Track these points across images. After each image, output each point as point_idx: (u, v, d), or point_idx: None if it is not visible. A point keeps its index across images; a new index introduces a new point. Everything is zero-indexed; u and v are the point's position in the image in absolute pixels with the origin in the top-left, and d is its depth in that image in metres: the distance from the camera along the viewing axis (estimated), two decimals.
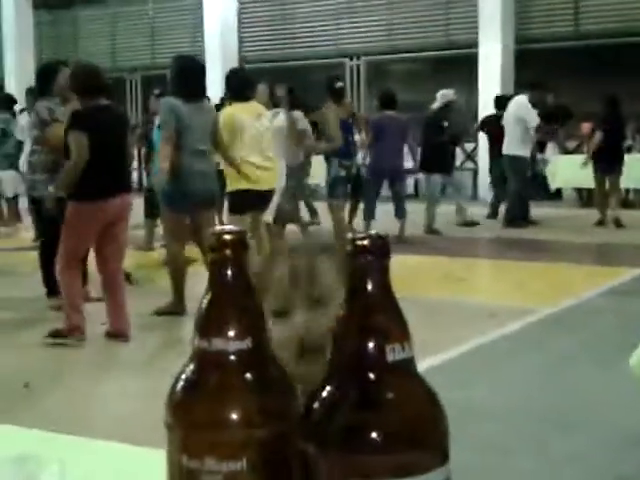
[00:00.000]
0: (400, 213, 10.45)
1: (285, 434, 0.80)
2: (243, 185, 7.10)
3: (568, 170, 13.33)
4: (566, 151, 14.34)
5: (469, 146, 15.15)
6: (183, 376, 0.81)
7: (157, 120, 7.58)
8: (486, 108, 13.43)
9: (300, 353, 1.18)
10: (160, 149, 6.58)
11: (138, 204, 9.55)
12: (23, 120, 10.77)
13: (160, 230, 7.98)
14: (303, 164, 9.39)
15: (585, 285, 7.59)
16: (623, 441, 3.90)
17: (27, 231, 10.26)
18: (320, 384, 0.81)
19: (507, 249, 10.11)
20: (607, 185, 11.92)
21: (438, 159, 11.31)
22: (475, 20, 15.65)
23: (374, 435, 0.76)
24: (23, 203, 10.97)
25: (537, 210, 12.28)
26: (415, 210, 11.22)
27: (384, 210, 10.57)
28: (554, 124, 13.48)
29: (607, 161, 11.59)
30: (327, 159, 9.88)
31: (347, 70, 17.19)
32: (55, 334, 5.68)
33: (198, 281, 5.36)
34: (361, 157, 10.72)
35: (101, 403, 4.69)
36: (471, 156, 15.62)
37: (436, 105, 11.45)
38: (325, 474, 0.77)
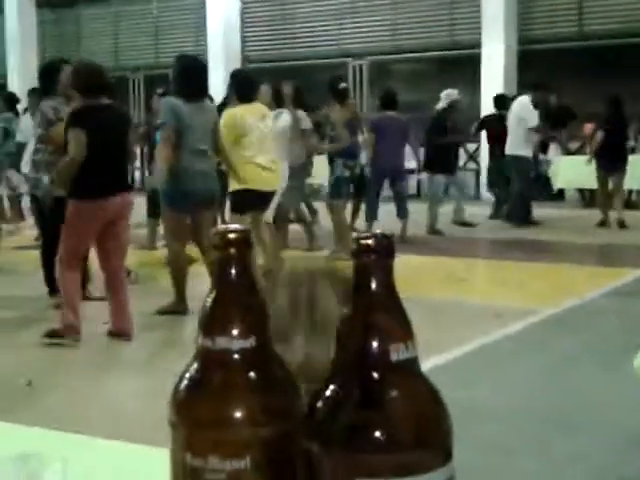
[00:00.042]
0: (402, 213, 10.45)
1: (289, 433, 0.80)
2: (246, 185, 7.11)
3: (570, 171, 13.34)
4: (569, 152, 14.34)
5: (471, 146, 15.16)
6: (187, 375, 0.81)
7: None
8: (489, 108, 13.42)
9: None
10: (158, 149, 6.60)
11: (140, 203, 9.57)
12: (26, 121, 10.77)
13: (162, 229, 7.98)
14: (305, 164, 9.39)
15: (588, 286, 7.59)
16: (626, 442, 3.90)
17: (30, 230, 10.26)
18: (324, 383, 0.81)
19: (510, 250, 10.10)
20: (610, 185, 11.92)
21: (442, 159, 11.30)
22: (478, 21, 15.64)
23: (378, 434, 0.76)
24: (25, 202, 11.01)
25: (540, 211, 12.28)
26: (417, 210, 11.22)
27: (386, 210, 10.57)
28: (558, 126, 13.49)
29: (610, 160, 11.59)
30: (331, 159, 9.88)
31: (350, 70, 17.19)
32: (51, 334, 5.67)
33: (199, 280, 5.41)
34: (364, 157, 10.71)
35: (102, 402, 4.69)
36: (473, 156, 15.62)
37: (440, 105, 11.44)
38: (329, 473, 0.78)
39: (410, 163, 12.66)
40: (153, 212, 9.19)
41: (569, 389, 4.72)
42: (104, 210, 5.66)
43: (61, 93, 6.51)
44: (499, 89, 14.39)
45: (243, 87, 7.31)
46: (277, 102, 8.92)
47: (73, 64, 6.30)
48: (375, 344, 0.78)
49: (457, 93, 11.53)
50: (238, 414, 0.78)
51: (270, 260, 7.79)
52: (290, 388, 0.82)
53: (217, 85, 13.34)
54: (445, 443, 0.79)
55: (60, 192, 5.98)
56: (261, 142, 7.25)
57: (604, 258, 9.39)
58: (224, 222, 9.32)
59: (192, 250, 6.90)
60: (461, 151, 12.98)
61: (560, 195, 14.57)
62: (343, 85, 10.21)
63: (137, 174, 17.07)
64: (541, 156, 13.05)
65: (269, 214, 8.02)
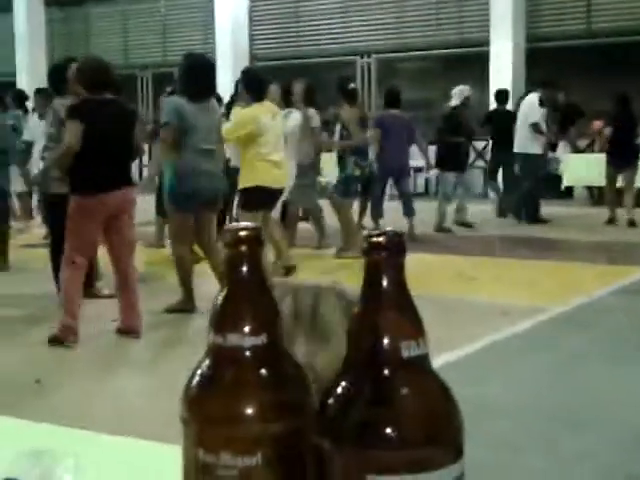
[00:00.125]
0: (408, 211, 10.45)
1: (300, 429, 0.80)
2: (258, 182, 7.09)
3: (579, 168, 13.32)
4: (577, 150, 14.31)
5: (479, 144, 15.13)
6: (199, 371, 0.82)
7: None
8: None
9: None
10: (155, 150, 6.64)
11: (149, 201, 9.59)
12: (34, 119, 10.79)
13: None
14: (314, 162, 9.40)
15: (596, 284, 7.58)
16: (634, 440, 3.90)
17: (39, 228, 10.29)
18: (335, 380, 0.81)
19: (518, 247, 10.09)
20: (620, 182, 11.89)
21: (454, 157, 11.28)
22: (487, 18, 15.63)
23: (389, 431, 0.76)
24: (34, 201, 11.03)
25: (548, 208, 12.26)
26: (425, 208, 11.21)
27: (393, 208, 10.57)
28: (566, 123, 13.48)
29: (620, 157, 11.57)
30: (340, 157, 9.89)
31: (358, 68, 17.19)
32: (53, 339, 5.67)
33: (206, 279, 5.42)
34: (371, 154, 10.72)
35: (110, 399, 4.70)
36: (482, 154, 15.60)
37: (454, 102, 11.39)
38: (340, 469, 0.78)
39: (417, 161, 12.67)
40: (161, 209, 9.20)
41: (577, 387, 4.71)
42: (105, 204, 5.66)
43: (72, 92, 6.52)
44: (507, 87, 14.37)
45: (254, 85, 7.30)
46: (286, 101, 8.93)
47: (79, 60, 6.30)
48: (386, 341, 0.78)
49: (469, 89, 11.50)
50: (249, 410, 0.79)
51: (279, 258, 7.80)
52: (301, 385, 0.83)
53: (225, 83, 13.35)
54: (456, 440, 0.79)
55: (60, 189, 6.01)
56: (275, 140, 7.26)
57: (612, 256, 9.36)
58: (233, 220, 9.32)
59: (198, 249, 6.92)
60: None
61: (569, 193, 14.55)
62: (352, 86, 10.24)
63: (145, 172, 17.15)
64: (550, 154, 13.04)
65: (276, 212, 8.04)
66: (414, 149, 11.19)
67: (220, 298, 0.82)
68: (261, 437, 0.79)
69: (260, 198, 7.18)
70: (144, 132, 9.44)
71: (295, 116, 8.86)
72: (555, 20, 15.57)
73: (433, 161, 11.76)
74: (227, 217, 10.41)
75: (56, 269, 6.59)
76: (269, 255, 7.61)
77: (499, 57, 15.33)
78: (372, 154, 10.34)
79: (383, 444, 0.76)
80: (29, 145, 9.64)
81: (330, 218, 9.81)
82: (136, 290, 5.93)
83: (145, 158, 12.95)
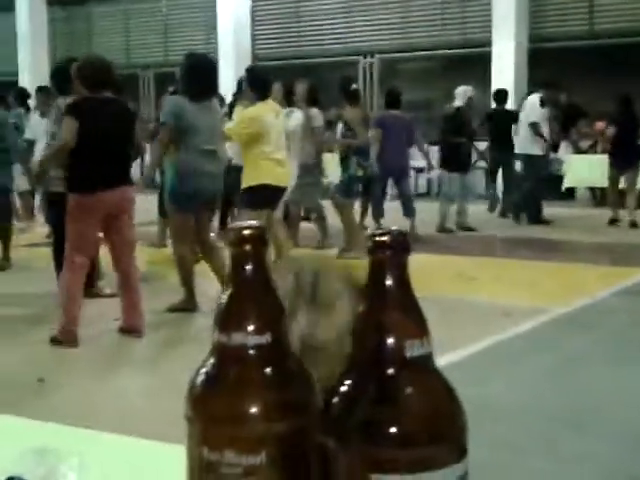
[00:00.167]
0: (408, 212, 10.45)
1: (304, 428, 0.80)
2: (263, 181, 7.05)
3: (581, 170, 13.32)
4: (579, 150, 14.30)
5: (480, 145, 15.12)
6: (203, 370, 0.82)
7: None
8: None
9: (300, 352, 1.19)
10: (151, 150, 6.67)
11: (151, 201, 9.59)
12: (35, 118, 10.80)
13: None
14: (317, 162, 9.41)
15: (599, 285, 7.57)
16: (636, 441, 3.90)
17: (41, 227, 10.30)
18: (339, 379, 0.81)
19: (520, 248, 10.08)
20: (623, 183, 11.89)
21: (458, 158, 11.27)
22: (489, 18, 15.62)
23: (393, 429, 0.76)
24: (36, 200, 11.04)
25: (550, 209, 12.26)
26: (427, 209, 11.21)
27: (394, 208, 10.58)
28: (568, 124, 13.48)
29: (623, 158, 11.57)
30: (343, 158, 9.89)
31: (360, 68, 17.19)
32: (53, 340, 5.67)
33: (207, 278, 5.41)
34: (372, 154, 10.73)
35: (111, 399, 4.70)
36: (484, 155, 15.59)
37: (457, 103, 11.36)
38: (344, 468, 0.78)
39: (419, 162, 12.67)
40: (163, 210, 9.21)
41: (579, 388, 4.71)
42: (103, 202, 5.65)
43: (76, 91, 6.53)
44: (510, 87, 14.36)
45: (259, 83, 7.25)
46: (288, 101, 8.93)
47: (79, 59, 6.30)
48: (390, 340, 0.78)
49: (472, 89, 11.50)
50: (254, 409, 0.79)
51: (279, 257, 7.80)
52: (305, 384, 0.83)
53: (227, 83, 13.35)
54: (460, 439, 0.79)
55: (60, 187, 6.03)
56: (278, 139, 7.25)
57: (615, 257, 9.36)
58: (235, 219, 9.33)
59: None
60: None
61: (571, 194, 14.54)
62: (354, 86, 10.25)
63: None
64: (552, 155, 13.04)
65: (278, 212, 8.03)
66: (415, 150, 11.19)
67: (225, 297, 0.82)
68: (265, 436, 0.79)
69: (264, 197, 7.16)
70: (145, 131, 9.46)
71: (297, 115, 8.87)
72: (557, 21, 15.56)
73: (435, 162, 11.75)
74: (229, 216, 10.44)
75: (59, 267, 6.59)
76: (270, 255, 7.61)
77: (501, 57, 15.32)
78: (373, 154, 10.35)
79: (387, 443, 0.76)
80: (31, 143, 9.64)
81: (332, 218, 9.82)
82: (138, 289, 5.93)
83: (147, 157, 12.94)
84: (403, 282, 0.80)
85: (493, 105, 13.28)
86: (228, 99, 10.58)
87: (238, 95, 9.43)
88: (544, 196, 12.21)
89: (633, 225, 11.43)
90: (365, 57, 17.30)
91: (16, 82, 18.04)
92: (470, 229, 11.40)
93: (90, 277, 6.74)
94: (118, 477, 1.15)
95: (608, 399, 4.48)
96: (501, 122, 12.24)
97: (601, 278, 7.97)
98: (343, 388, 0.80)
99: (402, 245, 0.80)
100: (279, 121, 7.40)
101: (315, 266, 1.34)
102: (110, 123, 5.69)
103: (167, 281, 7.51)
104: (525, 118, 11.77)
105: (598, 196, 14.22)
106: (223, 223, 10.37)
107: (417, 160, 12.56)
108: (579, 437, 3.93)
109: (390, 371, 0.78)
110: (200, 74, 6.50)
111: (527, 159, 11.81)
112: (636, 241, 10.27)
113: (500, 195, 13.04)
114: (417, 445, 0.76)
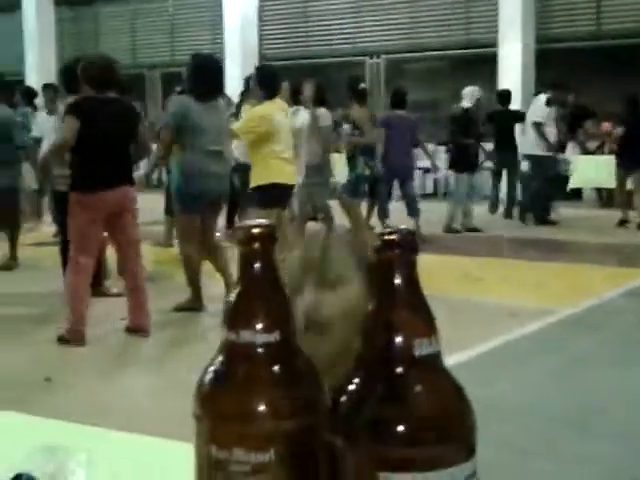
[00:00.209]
0: (412, 212, 10.45)
1: (313, 427, 0.80)
2: (273, 180, 7.02)
3: (588, 170, 13.29)
4: (587, 151, 14.28)
5: (486, 145, 15.12)
6: (212, 368, 0.82)
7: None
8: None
9: (305, 327, 1.20)
10: (154, 150, 6.71)
11: (156, 200, 9.61)
12: (42, 115, 10.83)
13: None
14: (324, 161, 9.40)
15: (605, 286, 7.56)
16: None
17: (48, 226, 10.31)
18: (348, 377, 0.81)
19: (526, 249, 10.07)
20: (630, 184, 11.86)
21: (467, 158, 11.26)
22: (495, 19, 15.60)
23: (401, 428, 0.76)
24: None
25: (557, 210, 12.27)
26: (433, 209, 11.20)
27: (399, 208, 10.58)
28: (575, 125, 13.46)
29: (630, 159, 11.53)
30: (351, 157, 9.90)
31: (367, 68, 17.18)
32: (61, 340, 5.68)
33: (214, 278, 5.39)
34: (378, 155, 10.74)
35: (119, 398, 4.71)
36: (491, 155, 15.58)
37: (466, 104, 11.34)
38: (352, 467, 0.78)
39: (426, 162, 12.66)
40: (170, 209, 9.22)
41: (585, 389, 4.70)
42: (104, 201, 5.66)
43: (82, 91, 6.54)
44: (516, 88, 14.34)
45: (268, 81, 7.21)
46: (295, 100, 8.93)
47: (84, 59, 6.31)
48: (399, 339, 0.78)
49: (479, 90, 11.49)
50: (262, 407, 0.79)
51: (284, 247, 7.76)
52: (314, 382, 0.83)
53: (234, 83, 13.35)
54: (468, 438, 0.79)
55: (65, 186, 6.06)
56: (286, 138, 7.24)
57: (622, 258, 9.34)
58: (242, 219, 9.33)
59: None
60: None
61: (577, 195, 14.52)
62: (363, 86, 10.25)
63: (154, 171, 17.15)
64: (559, 155, 13.03)
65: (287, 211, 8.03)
66: (418, 150, 11.20)
67: (234, 295, 0.83)
68: (274, 434, 0.79)
69: (274, 195, 7.11)
70: (152, 132, 9.46)
71: (303, 115, 8.86)
72: (565, 21, 15.53)
73: (441, 162, 11.75)
74: (236, 216, 10.45)
75: (65, 266, 6.61)
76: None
77: (508, 58, 15.30)
78: (379, 154, 10.35)
79: (396, 441, 0.76)
80: (38, 141, 9.65)
81: (339, 218, 9.81)
82: (145, 289, 5.94)
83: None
84: (412, 281, 0.80)
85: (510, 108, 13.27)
86: (234, 99, 10.59)
87: (245, 94, 9.44)
88: (552, 197, 12.19)
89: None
90: (372, 57, 17.29)
91: (23, 81, 18.06)
92: (476, 230, 11.39)
93: (97, 276, 6.76)
94: (126, 474, 1.16)
95: (614, 400, 4.47)
96: (503, 122, 12.23)
97: (608, 279, 7.96)
98: (351, 386, 0.80)
99: (410, 244, 0.80)
100: (287, 120, 7.40)
101: (325, 239, 1.35)
102: (112, 123, 5.70)
103: (174, 281, 7.52)
104: (530, 118, 11.78)
105: (605, 197, 14.20)
106: (230, 223, 10.38)
107: (423, 160, 12.55)
108: (584, 439, 3.92)
109: (399, 370, 0.78)
110: (206, 74, 6.50)
111: (534, 159, 11.80)
112: None
113: (504, 196, 13.05)
114: (425, 444, 0.76)
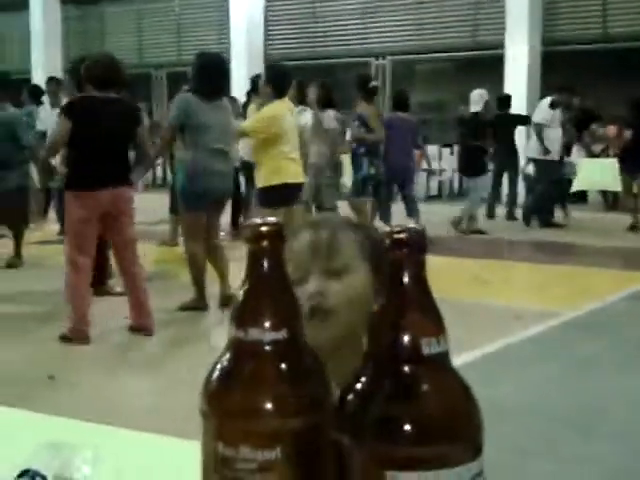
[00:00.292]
0: (412, 212, 10.47)
1: (319, 425, 0.80)
2: (284, 179, 6.98)
3: (593, 173, 13.28)
4: (592, 154, 14.27)
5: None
6: (219, 365, 0.82)
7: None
8: (513, 110, 13.38)
9: (309, 315, 1.21)
10: (155, 147, 6.74)
11: (160, 200, 9.62)
12: (45, 109, 10.85)
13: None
14: (334, 163, 9.39)
15: (610, 289, 7.55)
16: None
17: (53, 224, 10.33)
18: (355, 375, 0.81)
19: (531, 251, 10.07)
20: (635, 189, 11.84)
21: (477, 161, 11.27)
22: (502, 21, 15.59)
23: (408, 427, 0.76)
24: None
25: (560, 212, 12.25)
26: (438, 211, 11.20)
27: (400, 210, 10.59)
28: (581, 128, 13.46)
29: (634, 163, 11.51)
30: (355, 157, 9.90)
31: (373, 69, 17.17)
32: (63, 338, 5.69)
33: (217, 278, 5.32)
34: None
35: (122, 396, 4.71)
36: (491, 158, 15.58)
37: (476, 108, 11.33)
38: (359, 465, 0.78)
39: (431, 164, 12.66)
40: (175, 208, 9.23)
41: (588, 391, 4.70)
42: (98, 201, 5.65)
43: (86, 90, 6.54)
44: (523, 90, 14.35)
45: (279, 80, 7.16)
46: (300, 100, 8.92)
47: (89, 58, 6.31)
48: (407, 337, 0.78)
49: (487, 93, 11.50)
50: (269, 405, 0.79)
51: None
52: (321, 380, 0.83)
53: (240, 83, 13.37)
54: (475, 438, 0.79)
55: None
56: (294, 138, 7.23)
57: (626, 261, 9.34)
58: (248, 218, 9.33)
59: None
60: None
61: (583, 198, 14.51)
62: (374, 84, 10.23)
63: (159, 171, 17.19)
64: (565, 158, 13.02)
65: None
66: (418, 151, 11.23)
67: (242, 293, 0.83)
68: (280, 431, 0.79)
69: (282, 195, 7.02)
70: (158, 131, 9.46)
71: (306, 115, 8.85)
72: (571, 24, 15.52)
73: (447, 164, 11.75)
74: (241, 215, 10.46)
75: None
76: None
77: (515, 60, 15.28)
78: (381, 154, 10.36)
79: (402, 440, 0.76)
80: (43, 135, 9.66)
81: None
82: (145, 287, 5.93)
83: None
84: (420, 280, 0.80)
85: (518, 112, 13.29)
86: (240, 99, 10.59)
87: (252, 93, 9.44)
88: (556, 199, 12.19)
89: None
90: (377, 59, 17.30)
91: (29, 80, 18.09)
92: (480, 232, 11.39)
93: (101, 275, 6.77)
94: (132, 471, 1.16)
95: (615, 401, 4.47)
96: (503, 125, 12.22)
97: (612, 282, 7.95)
98: (359, 385, 0.80)
99: (419, 243, 0.80)
100: (294, 119, 7.39)
101: (333, 223, 1.35)
102: (109, 122, 5.69)
103: (178, 280, 7.52)
104: (534, 120, 11.80)
105: (610, 200, 14.18)
106: (235, 223, 10.39)
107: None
108: (586, 441, 3.92)
109: (406, 368, 0.78)
110: (211, 73, 6.50)
111: (540, 163, 11.79)
112: None
113: (505, 198, 13.08)
114: (432, 443, 0.76)
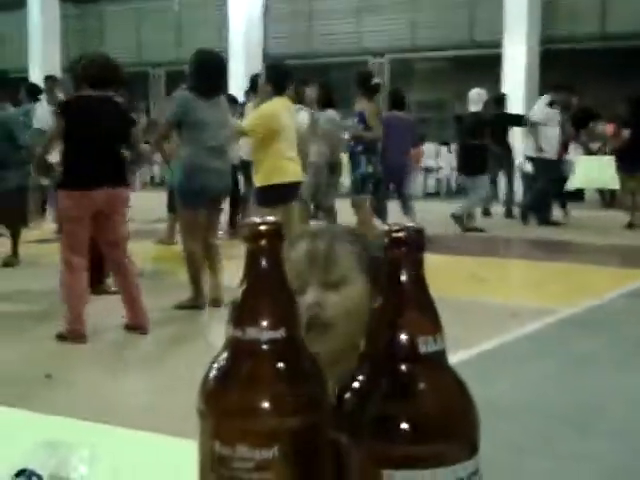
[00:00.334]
0: (407, 210, 10.49)
1: (317, 424, 0.80)
2: (281, 179, 6.98)
3: (591, 170, 13.29)
4: (589, 152, 14.29)
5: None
6: (216, 364, 0.82)
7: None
8: (510, 109, 13.39)
9: (307, 328, 1.21)
10: (152, 144, 6.75)
11: (157, 198, 9.62)
12: (42, 107, 10.84)
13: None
14: (334, 162, 9.38)
15: (607, 286, 7.56)
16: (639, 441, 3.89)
17: (51, 223, 10.32)
18: (352, 374, 0.81)
19: (528, 249, 10.07)
20: (632, 186, 11.86)
21: (478, 160, 11.28)
22: (500, 20, 15.59)
23: (405, 425, 0.76)
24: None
25: (559, 211, 12.26)
26: (435, 209, 11.20)
27: (396, 208, 10.60)
28: (579, 126, 13.47)
29: (631, 162, 11.52)
30: (352, 155, 9.89)
31: (370, 68, 17.17)
32: (60, 337, 5.69)
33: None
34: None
35: (119, 395, 4.71)
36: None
37: (476, 107, 11.33)
38: (357, 464, 0.78)
39: (428, 162, 12.68)
40: (173, 207, 9.23)
41: (585, 389, 4.70)
42: (91, 200, 5.64)
43: (82, 89, 6.54)
44: (521, 89, 14.36)
45: (280, 78, 7.14)
46: (297, 98, 8.91)
47: (85, 57, 6.31)
48: (404, 335, 0.78)
49: (485, 92, 11.51)
50: (266, 404, 0.79)
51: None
52: (319, 380, 0.83)
53: (238, 81, 13.36)
54: (472, 436, 0.79)
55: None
56: (292, 136, 7.22)
57: (624, 259, 9.35)
58: (247, 216, 9.33)
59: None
60: None
61: (580, 196, 14.52)
62: (377, 81, 10.21)
63: (156, 169, 17.19)
64: (563, 157, 13.03)
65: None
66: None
67: (240, 292, 0.83)
68: (278, 430, 0.79)
69: (280, 194, 7.02)
70: (155, 129, 9.46)
71: (303, 115, 8.85)
72: (569, 23, 15.52)
73: (444, 162, 11.76)
74: (239, 215, 10.45)
75: None
76: None
77: (513, 59, 15.29)
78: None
79: (400, 439, 0.76)
80: (41, 133, 9.65)
81: (342, 219, 9.82)
82: (137, 286, 5.90)
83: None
84: (418, 278, 0.80)
85: (516, 111, 13.29)
86: (238, 97, 10.59)
87: (251, 91, 9.43)
88: (555, 198, 12.21)
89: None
90: (375, 57, 17.30)
91: (27, 78, 18.08)
92: (477, 230, 11.40)
93: (99, 274, 6.76)
94: (128, 470, 1.16)
95: (612, 399, 4.47)
96: (498, 125, 12.23)
97: (609, 279, 7.97)
98: (356, 383, 0.80)
99: (417, 242, 0.80)
100: (292, 117, 7.38)
101: (330, 234, 1.35)
102: (103, 122, 5.69)
103: (176, 278, 7.52)
104: (531, 119, 11.81)
105: (607, 198, 14.19)
106: (233, 222, 10.38)
107: (426, 160, 12.56)
108: (583, 438, 3.92)
109: (403, 367, 0.78)
110: (209, 71, 6.50)
111: (538, 162, 11.79)
112: None
113: (503, 197, 13.10)
114: (429, 441, 0.76)
